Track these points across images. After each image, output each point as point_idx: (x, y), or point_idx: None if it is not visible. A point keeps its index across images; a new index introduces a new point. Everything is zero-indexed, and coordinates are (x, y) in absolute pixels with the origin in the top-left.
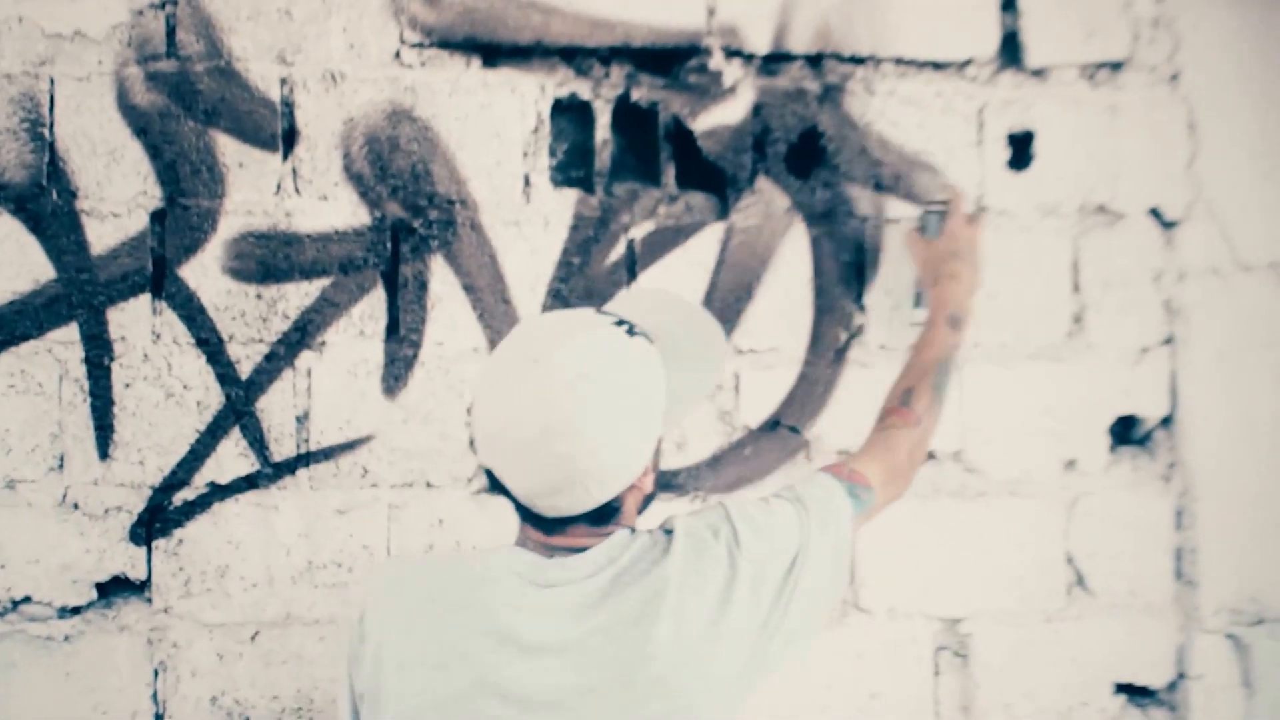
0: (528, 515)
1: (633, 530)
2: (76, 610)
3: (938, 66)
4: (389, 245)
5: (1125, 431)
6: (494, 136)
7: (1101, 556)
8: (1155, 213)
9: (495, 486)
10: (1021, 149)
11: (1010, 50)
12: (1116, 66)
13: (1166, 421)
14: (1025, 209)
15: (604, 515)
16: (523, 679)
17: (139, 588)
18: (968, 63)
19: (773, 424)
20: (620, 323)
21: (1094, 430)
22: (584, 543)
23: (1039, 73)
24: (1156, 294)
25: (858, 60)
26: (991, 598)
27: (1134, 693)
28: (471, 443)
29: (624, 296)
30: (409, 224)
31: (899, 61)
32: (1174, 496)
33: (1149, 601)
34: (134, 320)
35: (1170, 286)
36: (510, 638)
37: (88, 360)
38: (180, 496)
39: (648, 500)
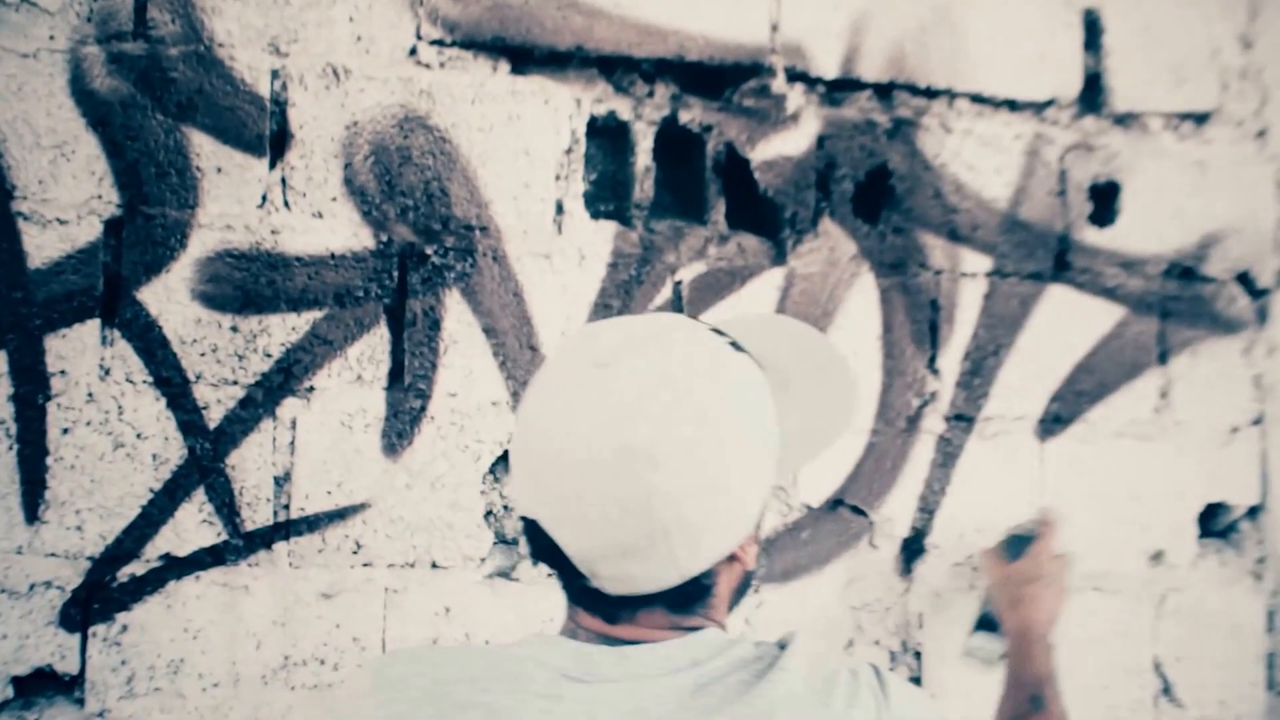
0: (581, 594)
1: (724, 629)
2: None
3: (1015, 106)
4: (395, 275)
5: (1208, 521)
6: (522, 154)
7: (1189, 662)
8: (1244, 279)
9: (538, 550)
10: (1105, 202)
11: (1093, 92)
12: (1203, 119)
13: (1254, 511)
14: (1110, 268)
15: (690, 597)
16: None
17: (69, 685)
18: (1048, 104)
19: (835, 503)
20: (719, 332)
21: (1182, 518)
22: (658, 636)
23: (1123, 119)
24: (1247, 369)
25: (931, 94)
26: (1074, 708)
27: None
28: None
29: (723, 320)
30: (420, 251)
31: (976, 98)
32: (1266, 596)
33: (1240, 714)
34: (78, 351)
35: (1261, 361)
36: None
37: (17, 398)
38: (126, 571)
39: (741, 591)
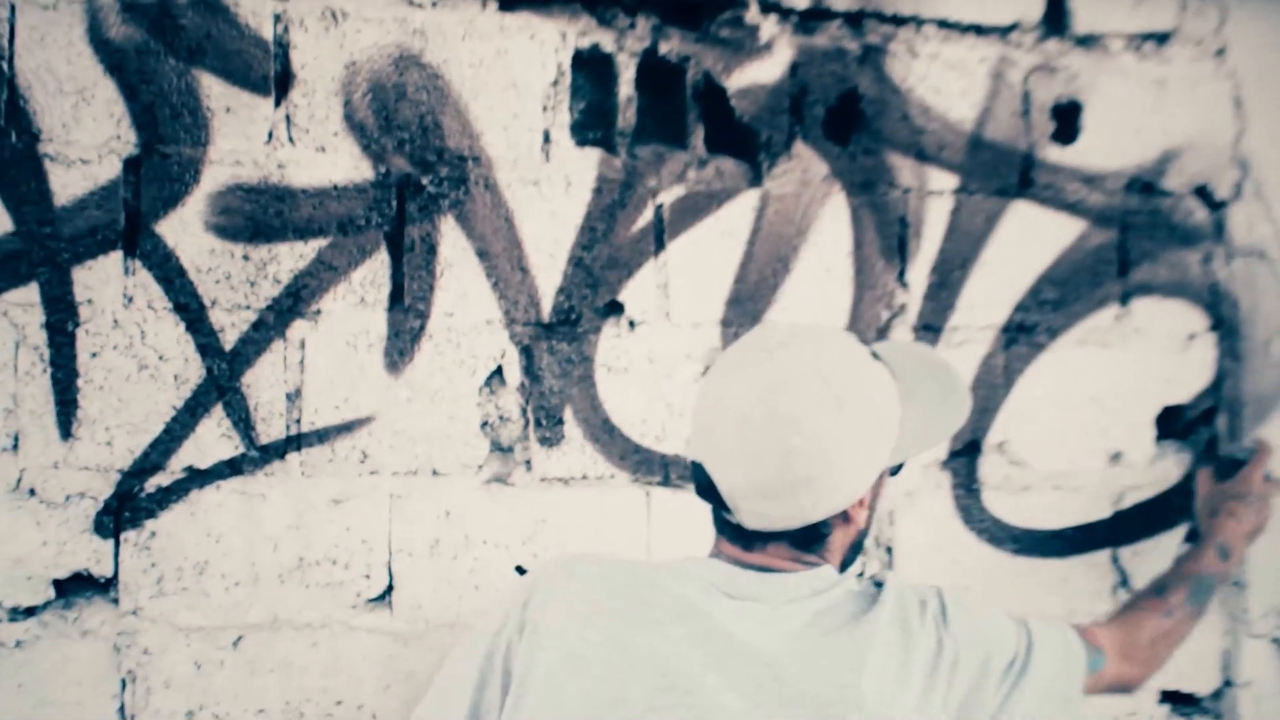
0: (725, 526)
1: (836, 570)
2: (31, 611)
3: (981, 31)
4: (394, 204)
5: (1168, 423)
6: (511, 87)
7: (1146, 556)
8: (1202, 192)
9: (701, 488)
10: (1067, 121)
11: (1055, 15)
12: (1163, 38)
13: (1209, 413)
14: (1072, 184)
15: (809, 539)
16: (718, 688)
17: (104, 586)
18: (1013, 27)
19: None
20: (863, 343)
21: (1141, 421)
22: (783, 565)
23: (1085, 41)
24: (1204, 278)
25: (899, 20)
26: (1036, 601)
27: (1179, 701)
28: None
29: (877, 344)
30: (416, 181)
31: (942, 24)
32: None
33: None
34: (103, 281)
35: (1218, 269)
36: (708, 639)
37: (49, 325)
38: (153, 482)
39: (855, 548)
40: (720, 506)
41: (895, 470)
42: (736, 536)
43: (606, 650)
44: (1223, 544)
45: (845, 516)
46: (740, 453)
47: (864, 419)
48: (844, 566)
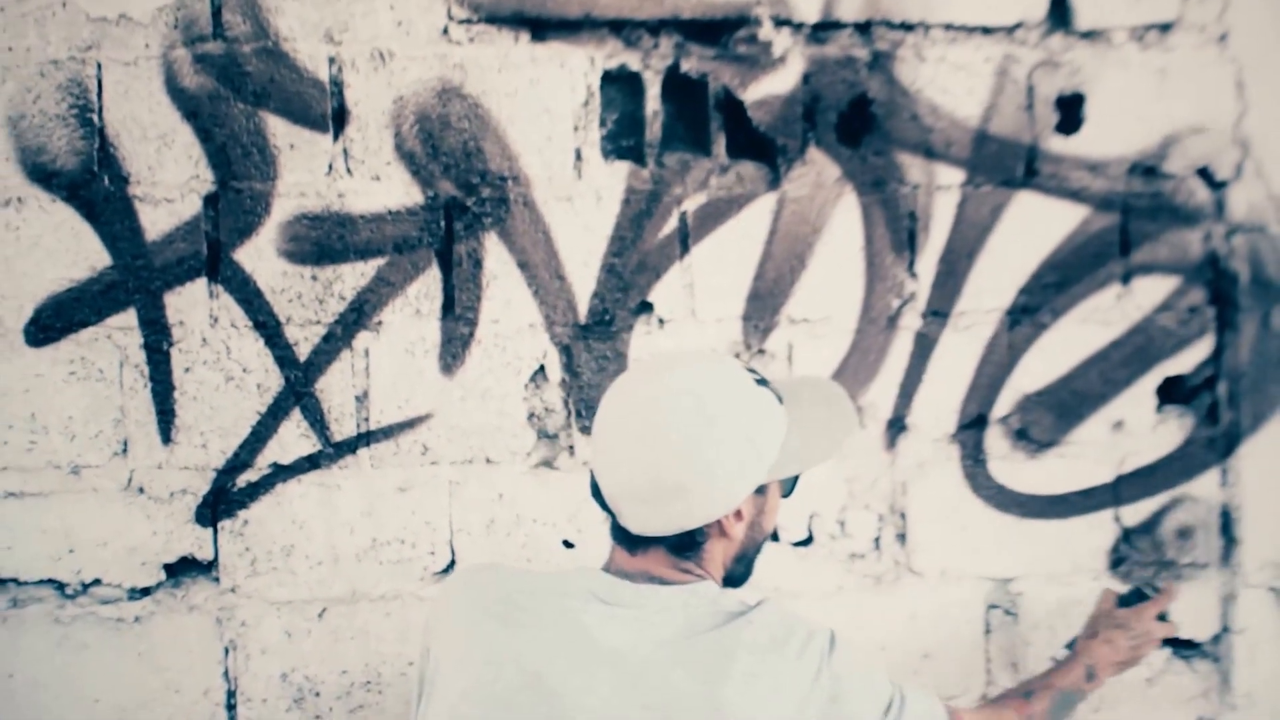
0: (616, 531)
1: (718, 584)
2: (146, 591)
3: (987, 31)
4: (442, 224)
5: (1169, 391)
6: (544, 112)
7: (1148, 514)
8: (1204, 173)
9: (595, 492)
10: (1071, 112)
11: (1059, 12)
12: (1165, 28)
13: (1212, 381)
14: (1075, 172)
15: (685, 546)
16: (579, 689)
17: (206, 568)
18: (1017, 26)
19: None
20: (752, 371)
21: (1142, 391)
22: (665, 573)
23: (1089, 35)
24: (1205, 254)
25: (907, 27)
26: (1041, 560)
27: (1179, 646)
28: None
29: (780, 377)
30: (462, 202)
31: (948, 27)
32: (1219, 456)
33: (1194, 557)
34: (191, 305)
35: (1219, 246)
36: (575, 642)
37: (147, 345)
38: (244, 478)
39: (741, 563)
40: (607, 509)
41: (788, 491)
42: (623, 540)
43: (484, 651)
44: (1092, 666)
45: (721, 528)
46: (619, 459)
47: (733, 436)
48: (731, 581)
